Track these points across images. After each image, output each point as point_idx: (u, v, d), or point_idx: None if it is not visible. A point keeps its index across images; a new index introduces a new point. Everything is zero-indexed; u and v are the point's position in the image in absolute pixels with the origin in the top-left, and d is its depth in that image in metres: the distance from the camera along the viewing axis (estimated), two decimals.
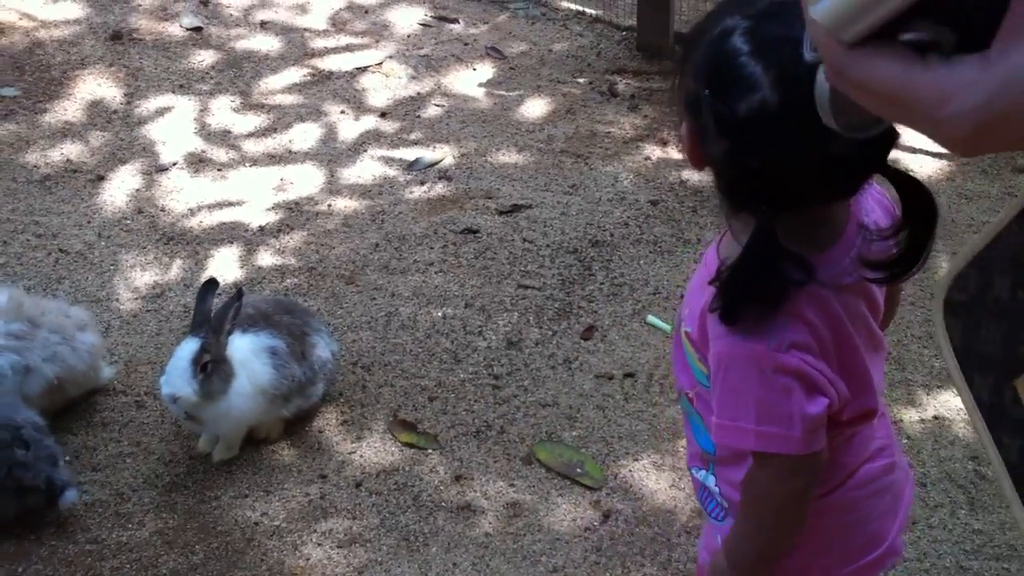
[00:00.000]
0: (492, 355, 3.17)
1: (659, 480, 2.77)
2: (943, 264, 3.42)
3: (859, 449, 1.64)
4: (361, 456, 2.86)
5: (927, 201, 1.39)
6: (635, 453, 2.85)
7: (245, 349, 2.77)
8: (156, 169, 3.95)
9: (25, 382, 2.77)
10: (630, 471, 2.80)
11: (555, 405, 3.00)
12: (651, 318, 3.27)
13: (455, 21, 4.95)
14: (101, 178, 3.90)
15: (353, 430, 2.94)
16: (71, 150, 4.04)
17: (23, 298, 2.88)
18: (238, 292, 2.71)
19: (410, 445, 2.89)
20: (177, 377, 2.60)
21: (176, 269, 3.49)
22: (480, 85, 4.49)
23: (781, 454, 1.47)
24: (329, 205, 3.80)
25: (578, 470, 2.80)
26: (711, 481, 1.71)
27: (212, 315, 2.69)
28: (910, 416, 2.92)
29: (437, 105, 4.37)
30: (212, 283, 2.78)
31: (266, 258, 3.55)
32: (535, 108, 4.34)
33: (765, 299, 1.42)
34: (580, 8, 5.00)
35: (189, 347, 2.63)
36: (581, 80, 4.51)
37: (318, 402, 2.95)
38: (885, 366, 2.98)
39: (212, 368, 2.63)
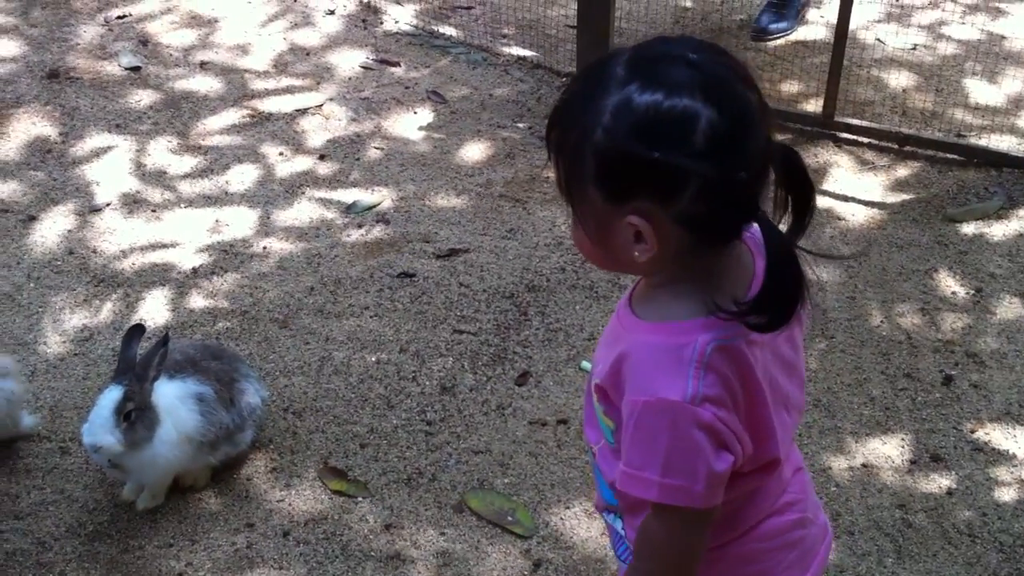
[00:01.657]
0: (426, 401, 3.16)
1: (590, 528, 2.76)
2: (874, 311, 3.47)
3: (763, 502, 1.65)
4: (290, 504, 2.82)
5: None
6: (567, 500, 2.84)
7: (171, 396, 2.73)
8: (89, 209, 3.91)
9: None
10: (561, 519, 2.79)
11: (488, 452, 2.99)
12: (585, 364, 3.28)
13: (397, 64, 4.97)
14: (32, 218, 3.84)
15: (282, 477, 2.90)
16: (2, 189, 3.98)
17: None
18: (164, 337, 2.68)
19: (340, 493, 2.86)
20: (99, 426, 2.55)
21: (106, 312, 3.44)
22: (420, 128, 4.50)
23: (681, 507, 1.47)
24: (264, 247, 3.78)
25: (509, 518, 2.79)
26: (619, 524, 1.72)
27: (137, 361, 2.65)
28: (839, 464, 2.95)
29: (377, 148, 4.37)
30: (138, 328, 2.75)
31: (198, 301, 3.51)
32: (475, 152, 4.36)
33: (803, 295, 1.44)
34: (521, 53, 5.05)
35: (112, 395, 2.58)
36: (521, 125, 4.54)
37: (247, 449, 2.91)
38: (813, 414, 3.02)
39: (136, 416, 2.59)
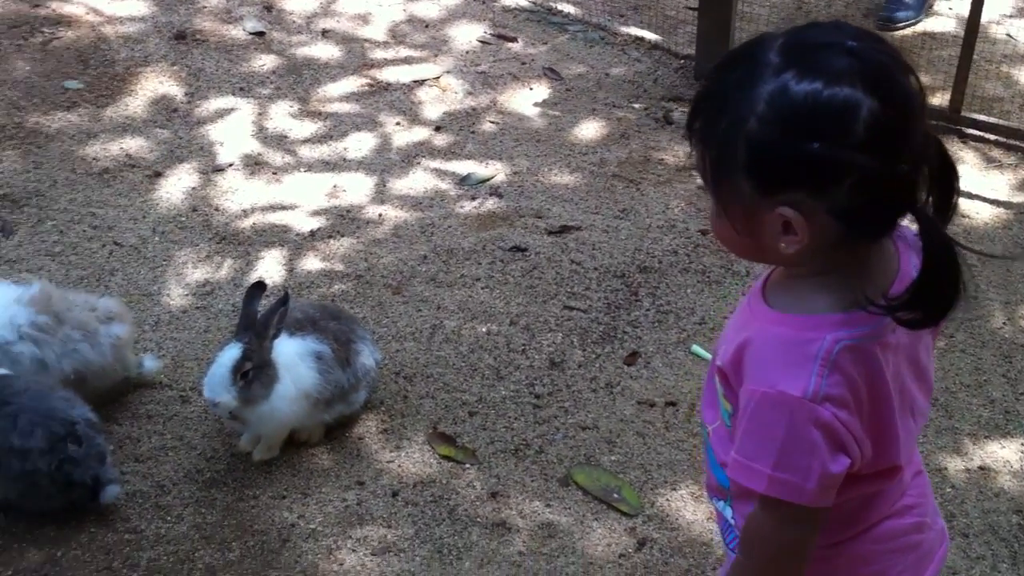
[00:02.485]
0: (534, 374, 3.17)
1: (696, 512, 2.75)
2: (997, 312, 3.38)
3: (881, 504, 1.62)
4: (399, 466, 2.87)
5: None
6: (673, 483, 2.83)
7: (291, 353, 2.79)
8: (212, 169, 4.00)
9: (39, 375, 2.79)
10: (667, 500, 2.78)
11: (595, 428, 2.99)
12: (695, 348, 3.26)
13: (514, 40, 4.98)
14: (158, 174, 3.95)
15: (392, 439, 2.95)
16: (131, 145, 4.10)
17: (52, 291, 2.89)
18: (284, 296, 2.73)
19: (448, 458, 2.89)
20: (218, 383, 2.64)
21: (226, 268, 3.53)
22: (535, 105, 4.51)
23: (790, 502, 1.45)
24: (380, 214, 3.83)
25: (615, 496, 2.79)
26: (729, 512, 1.70)
27: (258, 318, 2.71)
28: (955, 465, 2.88)
29: (492, 122, 4.39)
30: (260, 285, 2.81)
31: (315, 263, 3.58)
32: (589, 130, 4.35)
33: (960, 292, 1.40)
34: (640, 34, 5.02)
35: (231, 353, 2.66)
36: (636, 105, 4.52)
37: (359, 409, 2.96)
38: (932, 413, 2.95)
39: (253, 375, 2.65)
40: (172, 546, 2.60)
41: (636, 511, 2.75)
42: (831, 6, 5.18)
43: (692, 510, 2.75)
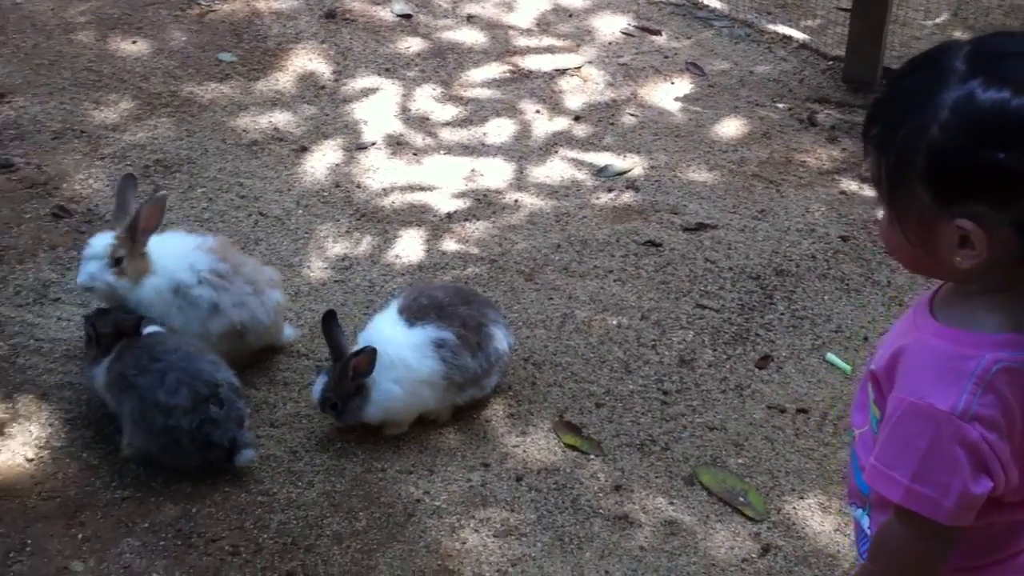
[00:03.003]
0: (663, 370, 3.15)
1: (824, 522, 2.70)
2: None
3: None
4: (524, 451, 2.89)
5: None
6: (801, 491, 2.78)
7: (406, 344, 2.83)
8: (356, 147, 4.09)
9: (210, 319, 2.92)
10: (794, 508, 2.74)
11: (723, 430, 2.96)
12: (831, 356, 3.19)
13: (658, 33, 4.95)
14: (304, 149, 4.05)
15: (519, 424, 2.97)
16: (279, 119, 4.21)
17: (228, 245, 3.03)
18: (330, 313, 2.84)
19: (573, 448, 2.90)
20: (317, 395, 2.83)
21: (365, 244, 3.60)
22: (676, 99, 4.47)
23: (925, 517, 1.42)
24: (516, 200, 3.85)
25: (740, 499, 2.76)
26: (866, 522, 1.67)
27: (339, 347, 2.81)
28: None
29: (631, 115, 4.37)
30: (330, 314, 2.86)
31: (450, 244, 3.63)
32: (730, 128, 4.29)
33: None
34: (787, 32, 4.92)
35: (317, 386, 2.82)
36: (780, 105, 4.44)
37: (490, 392, 2.99)
38: None
39: (340, 408, 2.81)
40: (302, 511, 2.67)
41: (761, 516, 2.71)
42: (989, 15, 4.99)
43: (819, 520, 2.70)
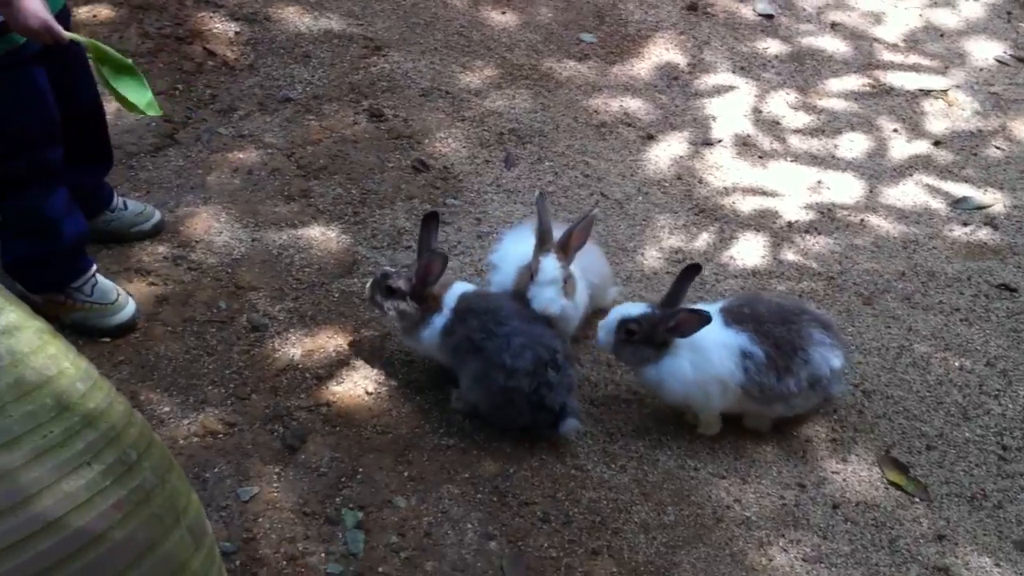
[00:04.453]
0: (1005, 423, 2.94)
1: None
2: None
3: None
4: (844, 479, 2.78)
5: None
6: None
7: (713, 339, 2.77)
8: (702, 141, 4.06)
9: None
10: None
11: None
12: None
13: None
14: (651, 137, 4.07)
15: (840, 451, 2.86)
16: (630, 104, 4.25)
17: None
18: (693, 267, 2.80)
19: (897, 486, 2.76)
20: (603, 327, 2.82)
21: (701, 240, 3.58)
22: None
23: None
24: (862, 220, 3.70)
25: None
26: None
27: (674, 293, 2.78)
28: None
29: (998, 147, 4.09)
30: (694, 267, 2.82)
31: (788, 254, 3.54)
32: None
33: None
34: None
35: (628, 310, 2.79)
36: None
37: (800, 412, 2.88)
38: None
39: (637, 338, 2.76)
40: (613, 493, 2.70)
41: None
42: None
43: None
